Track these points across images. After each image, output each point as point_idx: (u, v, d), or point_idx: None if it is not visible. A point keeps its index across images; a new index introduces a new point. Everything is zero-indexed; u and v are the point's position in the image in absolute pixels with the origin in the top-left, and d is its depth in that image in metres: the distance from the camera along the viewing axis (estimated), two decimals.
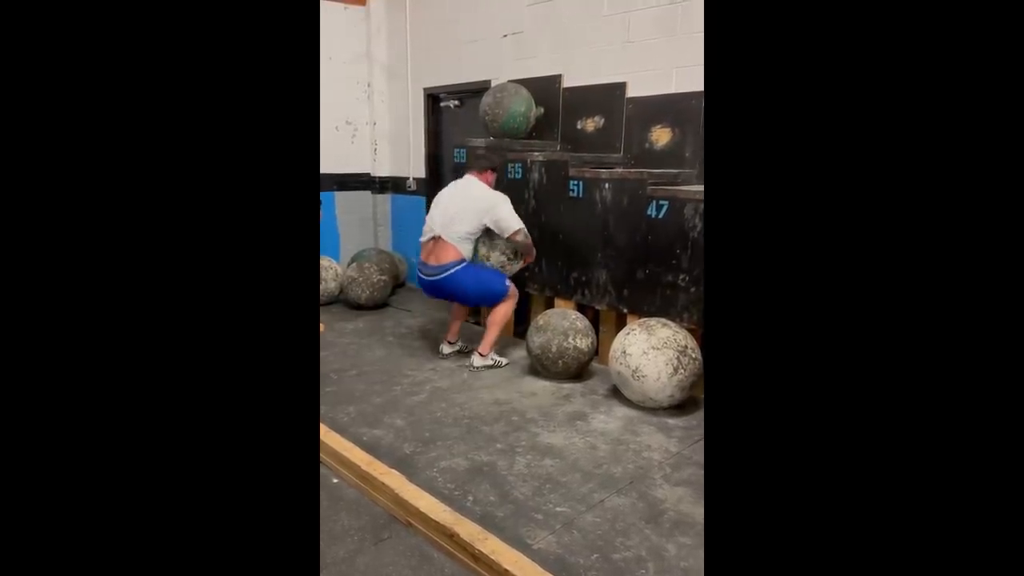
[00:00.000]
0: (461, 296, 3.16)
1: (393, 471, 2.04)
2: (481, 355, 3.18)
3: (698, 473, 2.17)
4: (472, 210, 3.02)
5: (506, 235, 3.03)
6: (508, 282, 3.12)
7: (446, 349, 3.39)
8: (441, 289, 3.13)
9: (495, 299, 3.13)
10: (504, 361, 3.23)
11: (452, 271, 3.05)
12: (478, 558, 1.63)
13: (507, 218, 3.00)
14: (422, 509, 1.81)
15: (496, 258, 3.19)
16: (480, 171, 3.14)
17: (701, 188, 2.86)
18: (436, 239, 3.09)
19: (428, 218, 3.16)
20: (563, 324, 2.97)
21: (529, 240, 3.11)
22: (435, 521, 1.76)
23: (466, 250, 3.09)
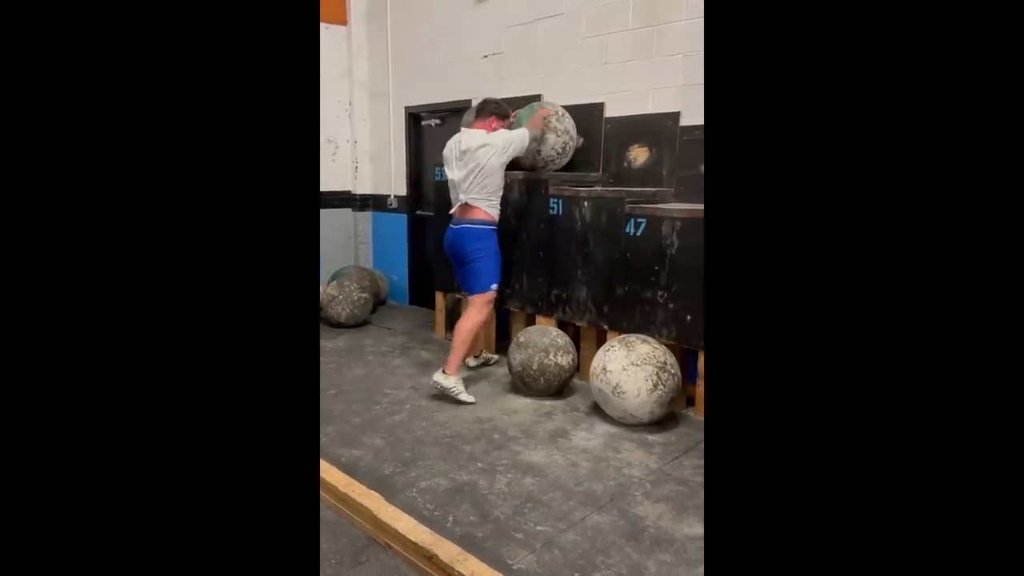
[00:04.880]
0: (461, 254, 3.04)
1: (372, 492, 2.01)
2: (445, 373, 2.95)
3: (678, 489, 2.17)
4: (481, 165, 2.90)
5: (526, 149, 2.98)
6: (494, 287, 3.03)
7: (471, 363, 3.34)
8: (454, 241, 3.05)
9: (474, 286, 3.03)
10: (465, 398, 2.93)
11: (472, 227, 2.98)
12: None
13: (512, 141, 2.92)
14: (401, 531, 1.79)
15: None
16: (484, 118, 3.01)
17: (678, 206, 2.91)
18: (463, 205, 3.01)
19: (450, 182, 3.09)
20: (544, 341, 2.98)
21: (535, 130, 3.04)
22: (414, 543, 1.74)
23: (494, 210, 3.00)
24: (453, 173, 3.02)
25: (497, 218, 3.04)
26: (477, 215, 2.98)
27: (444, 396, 2.97)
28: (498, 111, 3.05)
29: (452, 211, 3.08)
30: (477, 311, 3.03)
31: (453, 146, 3.04)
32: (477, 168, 2.91)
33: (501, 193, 3.03)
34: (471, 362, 3.36)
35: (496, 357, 3.45)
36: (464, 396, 2.95)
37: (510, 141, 2.94)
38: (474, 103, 3.98)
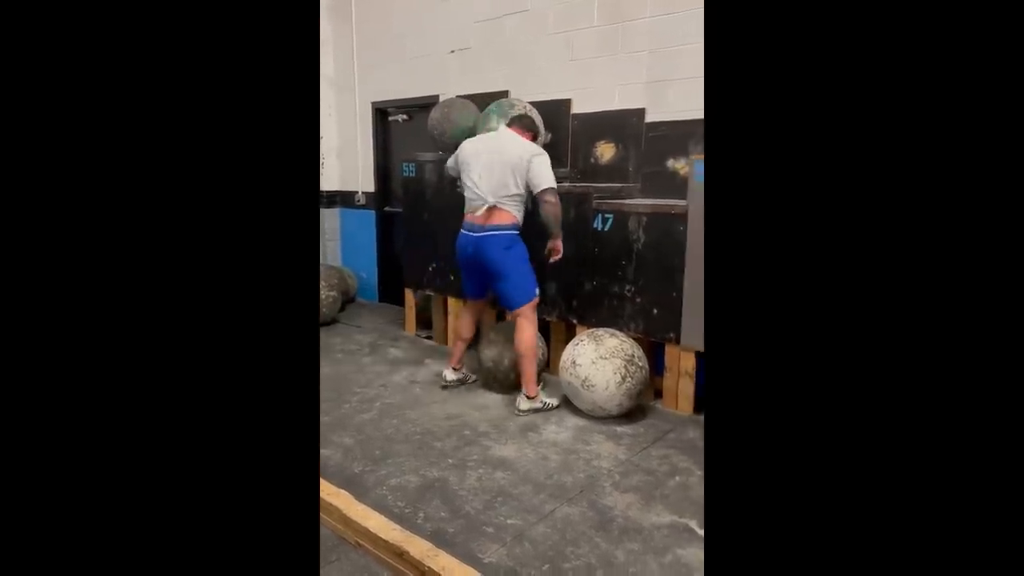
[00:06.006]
0: (493, 268, 2.79)
1: (341, 491, 2.00)
2: (528, 397, 2.80)
3: (646, 479, 2.21)
4: (513, 165, 2.71)
5: (536, 191, 2.71)
6: (537, 291, 2.86)
7: (450, 376, 3.10)
8: (476, 250, 2.79)
9: (518, 297, 2.80)
10: (554, 403, 2.84)
11: (499, 233, 2.76)
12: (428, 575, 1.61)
13: (540, 171, 2.69)
14: (371, 529, 1.78)
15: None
16: (522, 129, 2.85)
17: (644, 202, 2.95)
18: (491, 208, 2.76)
19: (471, 184, 2.80)
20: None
21: (558, 208, 2.74)
22: (384, 540, 1.73)
23: (520, 212, 2.81)
24: (478, 175, 2.77)
25: (521, 221, 2.84)
26: (505, 219, 2.76)
27: (412, 393, 2.97)
28: (532, 127, 2.91)
29: (471, 215, 2.82)
30: (530, 322, 2.82)
31: (480, 148, 2.81)
32: (521, 171, 2.72)
33: (522, 206, 2.85)
34: (449, 375, 3.10)
35: (475, 377, 3.19)
36: (551, 401, 2.86)
37: (537, 172, 2.72)
38: (442, 98, 3.98)
